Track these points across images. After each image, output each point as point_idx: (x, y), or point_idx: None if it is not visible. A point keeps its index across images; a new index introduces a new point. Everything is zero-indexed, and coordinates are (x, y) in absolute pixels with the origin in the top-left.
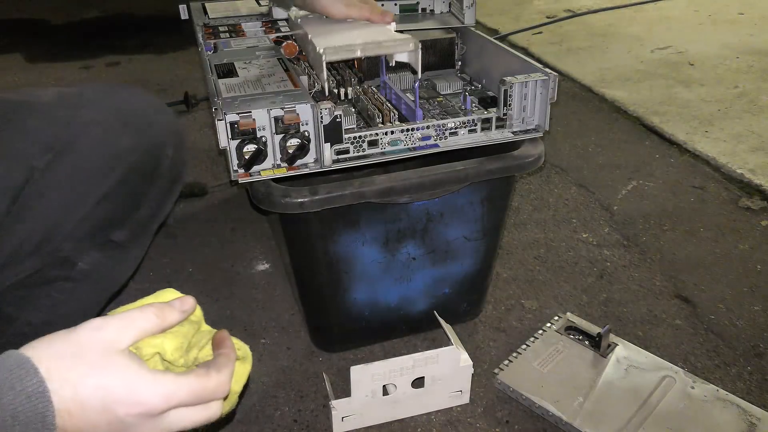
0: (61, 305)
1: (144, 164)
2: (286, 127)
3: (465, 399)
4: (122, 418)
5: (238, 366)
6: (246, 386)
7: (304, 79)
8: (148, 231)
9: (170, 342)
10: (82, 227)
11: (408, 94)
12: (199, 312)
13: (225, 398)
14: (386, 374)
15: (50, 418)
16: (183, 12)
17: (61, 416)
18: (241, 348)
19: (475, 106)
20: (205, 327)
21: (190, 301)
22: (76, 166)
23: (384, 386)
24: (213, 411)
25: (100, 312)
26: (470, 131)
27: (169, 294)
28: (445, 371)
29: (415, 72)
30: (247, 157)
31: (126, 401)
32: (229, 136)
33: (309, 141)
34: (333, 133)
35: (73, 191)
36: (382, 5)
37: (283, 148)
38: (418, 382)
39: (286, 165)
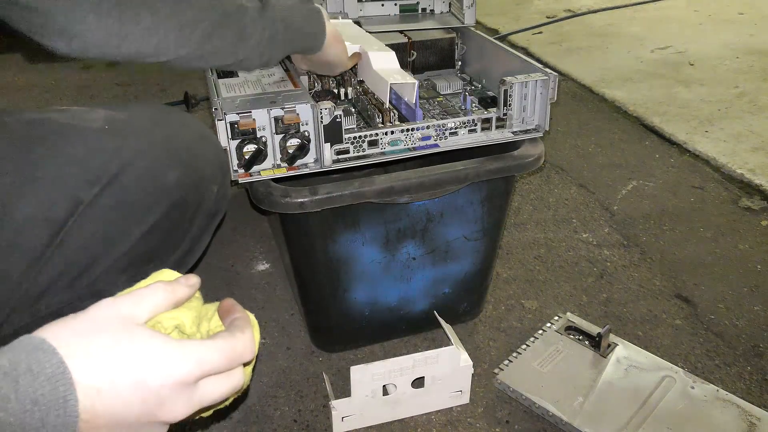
0: None
1: (188, 200)
2: (286, 127)
3: (465, 399)
4: (157, 390)
5: None
6: (257, 358)
7: (304, 79)
8: (183, 268)
9: (186, 315)
10: (121, 262)
11: None
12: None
13: (245, 365)
14: (386, 374)
15: (72, 402)
16: None
17: (88, 396)
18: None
19: (475, 106)
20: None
21: (194, 276)
22: (120, 200)
23: (384, 386)
24: (237, 379)
25: None
26: (470, 131)
27: (168, 274)
28: (445, 371)
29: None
30: (247, 157)
31: (159, 371)
32: (229, 136)
33: (309, 141)
34: (333, 133)
35: (116, 226)
36: (382, 5)
37: (283, 148)
38: (418, 382)
39: (286, 165)
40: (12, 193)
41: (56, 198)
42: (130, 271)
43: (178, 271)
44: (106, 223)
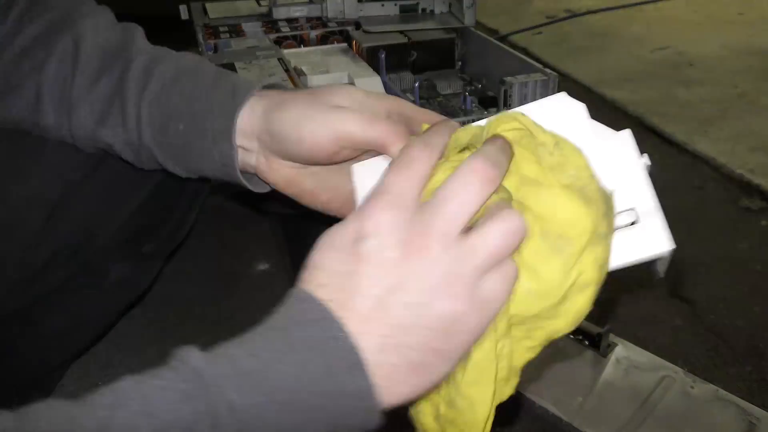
0: (86, 312)
1: (173, 177)
2: None
3: None
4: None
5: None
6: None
7: (304, 79)
8: (172, 243)
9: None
10: (114, 239)
11: (408, 94)
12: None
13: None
14: None
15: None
16: (183, 12)
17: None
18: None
19: (475, 106)
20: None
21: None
22: (110, 179)
23: None
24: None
25: (117, 320)
26: None
27: (507, 122)
28: None
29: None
30: None
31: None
32: None
33: None
34: None
35: (107, 203)
36: (382, 5)
37: None
38: None
39: None
40: (5, 179)
41: (48, 182)
42: (124, 247)
43: (169, 247)
44: (97, 202)
